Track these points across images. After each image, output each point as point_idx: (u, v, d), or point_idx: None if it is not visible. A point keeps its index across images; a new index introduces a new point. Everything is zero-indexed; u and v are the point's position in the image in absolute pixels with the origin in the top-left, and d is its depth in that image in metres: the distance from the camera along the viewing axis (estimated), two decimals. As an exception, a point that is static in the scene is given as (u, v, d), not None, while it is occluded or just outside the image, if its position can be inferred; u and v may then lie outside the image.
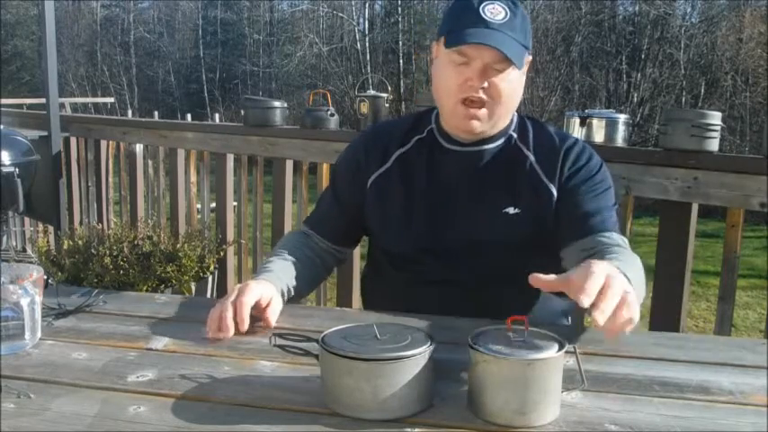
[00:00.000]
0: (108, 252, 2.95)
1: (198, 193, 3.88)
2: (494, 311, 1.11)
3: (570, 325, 1.51)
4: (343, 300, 2.92)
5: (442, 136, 1.41)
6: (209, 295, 3.28)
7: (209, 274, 3.25)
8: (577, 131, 2.50)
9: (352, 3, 20.16)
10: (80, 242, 3.11)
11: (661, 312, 2.20)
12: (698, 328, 5.51)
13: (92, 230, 3.31)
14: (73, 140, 4.47)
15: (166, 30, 25.13)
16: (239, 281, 3.59)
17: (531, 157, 1.37)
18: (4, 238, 4.73)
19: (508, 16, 1.27)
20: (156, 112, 6.28)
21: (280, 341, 1.03)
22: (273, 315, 1.19)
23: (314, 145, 3.08)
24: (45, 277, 1.14)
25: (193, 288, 3.15)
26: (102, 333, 1.18)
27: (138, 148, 4.02)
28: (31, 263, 2.58)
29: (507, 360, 0.85)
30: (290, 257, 1.39)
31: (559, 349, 0.87)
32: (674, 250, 2.20)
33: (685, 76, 15.03)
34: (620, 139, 2.49)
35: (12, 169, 3.52)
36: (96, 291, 1.38)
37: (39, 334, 1.11)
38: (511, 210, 1.35)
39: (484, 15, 1.26)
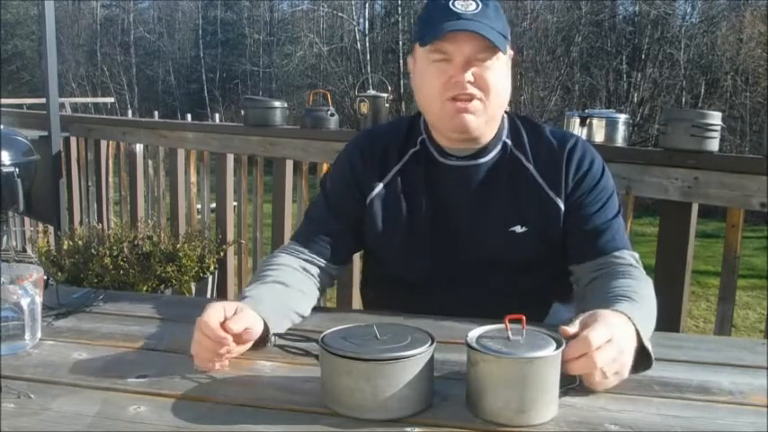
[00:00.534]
0: (108, 252, 2.96)
1: (198, 193, 3.88)
2: None
3: None
4: (343, 300, 2.92)
5: (435, 148, 1.34)
6: (209, 295, 3.28)
7: (209, 274, 3.25)
8: (577, 131, 2.50)
9: (352, 3, 20.16)
10: (80, 242, 3.12)
11: (661, 312, 2.19)
12: (698, 328, 5.51)
13: (92, 230, 3.31)
14: (73, 140, 4.47)
15: (166, 30, 25.13)
16: (239, 281, 3.60)
17: (532, 168, 1.31)
18: (4, 238, 4.73)
19: (480, 7, 1.22)
20: (156, 112, 6.28)
21: (280, 341, 1.03)
22: (237, 324, 0.99)
23: (314, 145, 3.08)
24: (45, 277, 1.14)
25: (193, 288, 3.15)
26: (102, 333, 1.18)
27: (138, 148, 4.02)
28: (31, 263, 2.58)
29: (507, 359, 0.85)
30: (271, 281, 1.21)
31: (557, 347, 0.87)
32: (674, 250, 2.20)
33: (685, 76, 15.03)
34: (620, 139, 2.49)
35: (12, 169, 3.52)
36: (96, 291, 1.38)
37: (39, 334, 1.11)
38: (518, 228, 1.29)
39: (455, 9, 1.21)
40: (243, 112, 3.38)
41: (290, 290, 1.22)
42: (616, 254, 1.26)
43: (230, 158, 3.51)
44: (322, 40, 20.38)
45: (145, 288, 2.95)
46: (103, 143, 4.26)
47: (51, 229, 4.15)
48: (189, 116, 5.29)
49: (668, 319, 2.18)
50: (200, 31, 24.42)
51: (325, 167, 3.08)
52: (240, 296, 1.16)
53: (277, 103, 3.30)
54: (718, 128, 2.18)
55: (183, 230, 3.61)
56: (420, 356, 0.88)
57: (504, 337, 0.90)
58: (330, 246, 1.35)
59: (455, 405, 0.91)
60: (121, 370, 1.02)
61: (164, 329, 1.20)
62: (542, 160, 1.32)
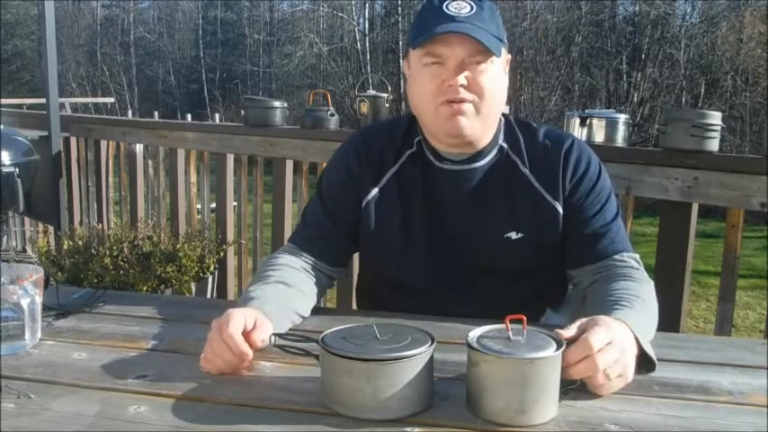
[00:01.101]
0: (108, 252, 2.96)
1: (198, 193, 3.88)
2: None
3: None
4: (343, 300, 2.92)
5: (431, 151, 1.32)
6: (209, 295, 3.28)
7: (209, 274, 3.25)
8: (577, 131, 2.50)
9: (352, 3, 20.17)
10: (80, 242, 3.12)
11: (661, 312, 2.19)
12: (698, 328, 5.51)
13: (92, 230, 3.31)
14: (73, 140, 4.47)
15: (166, 30, 25.14)
16: (239, 281, 3.60)
17: (528, 173, 1.30)
18: (4, 239, 4.73)
19: (474, 9, 1.20)
20: (156, 112, 6.28)
21: (280, 341, 1.03)
22: (260, 336, 1.01)
23: (314, 145, 3.07)
24: (45, 278, 1.14)
25: (193, 288, 3.15)
26: (102, 333, 1.18)
27: (138, 148, 4.02)
28: (31, 263, 2.58)
29: (507, 359, 0.85)
30: (274, 281, 1.21)
31: (557, 348, 0.87)
32: (674, 250, 2.20)
33: (685, 76, 15.03)
34: (620, 139, 2.49)
35: (12, 169, 3.52)
36: (96, 291, 1.38)
37: (39, 334, 1.11)
38: (513, 235, 1.28)
39: (448, 11, 1.19)
40: (243, 112, 3.38)
41: (291, 290, 1.21)
42: (616, 257, 1.25)
43: (230, 158, 3.51)
44: (322, 40, 20.38)
45: (145, 288, 2.95)
46: (103, 143, 4.26)
47: (51, 229, 4.15)
48: (189, 116, 5.29)
49: (668, 319, 2.17)
50: (200, 31, 24.43)
51: (323, 168, 3.07)
52: (243, 296, 1.16)
53: (277, 103, 3.30)
54: (718, 128, 2.18)
55: (183, 230, 3.62)
56: (420, 356, 0.88)
57: (505, 337, 0.90)
58: (327, 249, 1.35)
59: (455, 405, 0.91)
60: (121, 370, 1.02)
61: (164, 329, 1.20)
62: (539, 164, 1.30)
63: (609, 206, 1.30)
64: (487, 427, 0.86)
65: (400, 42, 18.80)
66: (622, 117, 2.53)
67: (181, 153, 3.74)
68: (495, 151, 1.32)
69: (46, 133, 3.85)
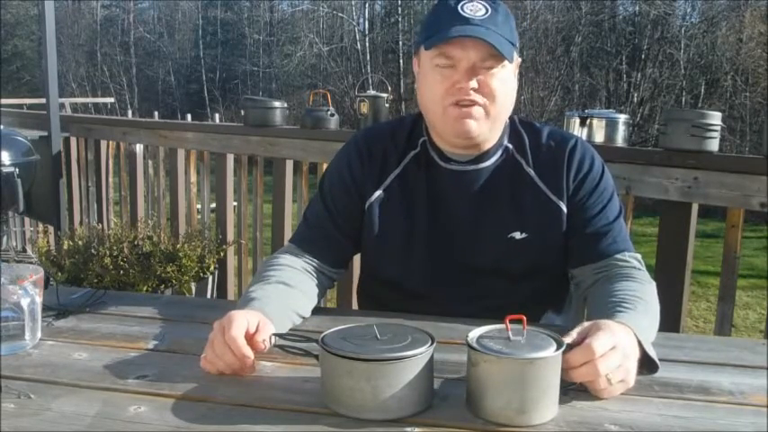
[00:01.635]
0: (108, 252, 2.96)
1: (198, 193, 3.88)
2: None
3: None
4: (343, 300, 2.92)
5: (436, 152, 1.32)
6: (209, 295, 3.28)
7: (209, 274, 3.25)
8: (577, 131, 2.50)
9: (352, 3, 20.17)
10: (80, 242, 3.12)
11: (661, 312, 2.19)
12: (698, 328, 5.51)
13: (92, 231, 3.31)
14: (73, 140, 4.47)
15: (166, 30, 25.14)
16: (239, 281, 3.60)
17: (533, 173, 1.30)
18: (4, 239, 4.74)
19: (489, 12, 1.20)
20: (156, 113, 6.28)
21: (280, 341, 1.03)
22: (261, 337, 1.01)
23: (314, 145, 3.08)
24: (45, 278, 1.14)
25: (193, 288, 3.15)
26: (102, 333, 1.18)
27: (138, 148, 4.02)
28: (31, 263, 2.58)
29: (507, 359, 0.85)
30: (275, 281, 1.21)
31: (558, 348, 0.87)
32: (674, 250, 2.20)
33: (685, 76, 15.03)
34: (620, 139, 2.50)
35: (12, 169, 3.53)
36: (96, 291, 1.38)
37: (39, 334, 1.11)
38: (517, 234, 1.28)
39: (463, 13, 1.19)
40: (243, 113, 3.38)
41: (292, 290, 1.21)
42: (618, 256, 1.26)
43: (230, 158, 3.51)
44: (322, 40, 20.38)
45: (145, 288, 2.95)
46: (103, 143, 4.27)
47: (51, 229, 4.15)
48: (189, 116, 5.29)
49: (668, 319, 2.16)
50: (200, 32, 24.43)
51: (325, 168, 3.07)
52: (244, 297, 1.16)
53: (277, 104, 3.30)
54: (718, 128, 2.19)
55: (183, 230, 3.62)
56: (420, 356, 0.88)
57: (505, 337, 0.90)
58: (328, 249, 1.34)
59: (455, 405, 0.91)
60: (121, 370, 1.02)
61: (164, 330, 1.20)
62: (543, 164, 1.30)
63: (611, 206, 1.30)
64: (487, 427, 0.86)
65: (400, 42, 18.81)
66: (622, 117, 2.54)
67: (181, 153, 3.74)
68: (500, 152, 1.32)
69: (46, 133, 3.85)
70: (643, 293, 1.14)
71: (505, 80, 1.23)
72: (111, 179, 4.37)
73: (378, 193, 1.34)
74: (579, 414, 0.89)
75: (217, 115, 6.14)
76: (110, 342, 1.14)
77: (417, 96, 1.31)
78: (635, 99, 15.20)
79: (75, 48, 23.62)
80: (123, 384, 0.97)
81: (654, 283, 1.21)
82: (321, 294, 1.34)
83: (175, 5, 25.05)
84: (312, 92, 4.52)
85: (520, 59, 1.30)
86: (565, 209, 1.29)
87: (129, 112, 11.93)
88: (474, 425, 0.87)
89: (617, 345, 0.92)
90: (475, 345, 0.88)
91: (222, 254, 3.40)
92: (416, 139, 1.35)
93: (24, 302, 1.06)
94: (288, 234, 3.13)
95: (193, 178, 3.80)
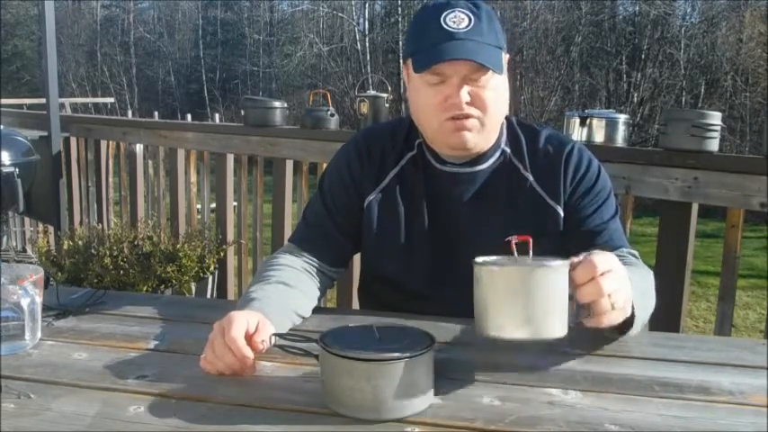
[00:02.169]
0: (108, 252, 2.96)
1: (198, 193, 3.88)
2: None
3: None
4: (343, 300, 2.92)
5: (431, 154, 1.33)
6: (209, 295, 3.28)
7: (209, 274, 3.25)
8: (577, 131, 2.50)
9: (352, 3, 20.17)
10: (80, 242, 3.12)
11: (661, 312, 2.19)
12: (698, 328, 5.51)
13: (92, 231, 3.31)
14: (73, 140, 4.47)
15: (166, 30, 25.14)
16: (239, 281, 3.60)
17: (530, 177, 1.30)
18: (4, 239, 4.74)
19: (473, 21, 1.19)
20: (156, 113, 6.28)
21: (280, 341, 1.03)
22: (261, 338, 1.01)
23: (314, 145, 3.08)
24: (45, 278, 1.14)
25: (193, 288, 3.15)
26: (102, 333, 1.18)
27: (138, 148, 4.02)
28: (31, 263, 2.58)
29: (510, 268, 0.87)
30: (275, 281, 1.21)
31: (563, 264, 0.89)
32: (674, 250, 2.20)
33: (685, 76, 15.03)
34: (620, 139, 2.50)
35: (12, 169, 3.53)
36: (96, 291, 1.38)
37: (39, 334, 1.11)
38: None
39: (447, 27, 1.18)
40: (243, 113, 3.38)
41: (292, 290, 1.22)
42: (615, 252, 1.26)
43: (230, 158, 3.51)
44: (322, 40, 20.38)
45: (145, 288, 2.95)
46: (103, 143, 4.27)
47: (51, 229, 4.15)
48: (189, 116, 5.29)
49: (668, 319, 2.18)
50: (200, 32, 24.43)
51: (324, 167, 3.07)
52: (244, 297, 1.16)
53: (277, 104, 3.31)
54: (718, 128, 2.19)
55: (183, 230, 3.62)
56: (420, 356, 0.88)
57: (511, 258, 0.92)
58: (328, 249, 1.35)
59: (455, 405, 0.91)
60: (121, 370, 1.02)
61: (164, 330, 1.20)
62: (540, 167, 1.31)
63: (607, 206, 1.30)
64: (487, 427, 0.86)
65: (400, 42, 18.79)
66: (622, 117, 2.54)
67: (181, 153, 3.74)
68: (497, 155, 1.32)
69: (46, 133, 3.85)
70: (639, 271, 1.16)
71: (497, 87, 1.23)
72: (111, 179, 4.37)
73: (376, 191, 1.34)
74: (579, 414, 0.89)
75: (217, 115, 6.14)
76: (110, 342, 1.14)
77: (410, 107, 1.31)
78: (635, 99, 15.20)
79: (75, 48, 23.62)
80: (123, 384, 0.97)
81: (651, 272, 1.22)
82: (321, 294, 1.34)
83: (175, 5, 25.05)
84: (312, 92, 4.53)
85: (508, 56, 1.29)
86: (562, 212, 1.29)
87: (129, 112, 11.93)
88: (474, 425, 0.87)
89: (614, 268, 0.95)
90: (480, 262, 0.90)
91: (222, 254, 3.40)
92: (413, 141, 1.35)
93: (24, 302, 1.06)
94: (288, 234, 3.13)
95: (193, 178, 3.80)
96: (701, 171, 2.13)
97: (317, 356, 0.94)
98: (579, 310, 0.94)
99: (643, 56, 15.59)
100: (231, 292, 3.57)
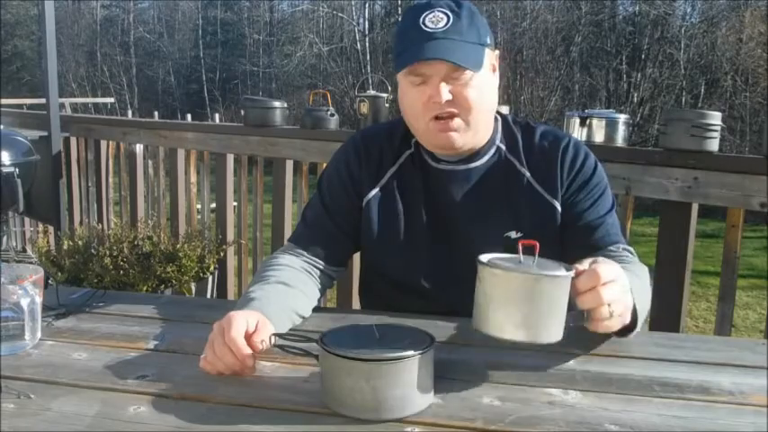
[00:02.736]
0: (108, 252, 2.96)
1: (198, 193, 3.88)
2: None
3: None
4: (343, 300, 2.92)
5: (426, 153, 1.34)
6: (209, 295, 3.28)
7: (209, 274, 3.25)
8: (577, 131, 2.50)
9: (352, 3, 20.17)
10: (80, 242, 3.12)
11: (661, 312, 2.21)
12: (698, 328, 5.51)
13: (92, 231, 3.31)
14: (73, 140, 4.47)
15: (166, 30, 25.14)
16: (239, 281, 3.60)
17: (527, 173, 1.31)
18: (4, 239, 4.73)
19: (451, 20, 1.19)
20: (156, 113, 6.29)
21: (279, 341, 1.03)
22: (260, 338, 1.01)
23: (314, 145, 3.08)
24: (45, 278, 1.14)
25: (193, 288, 3.15)
26: (102, 333, 1.18)
27: (138, 148, 4.02)
28: (31, 263, 2.58)
29: (514, 273, 0.87)
30: (275, 281, 1.21)
31: (567, 272, 0.90)
32: (674, 250, 2.20)
33: (685, 76, 15.03)
34: (620, 139, 2.50)
35: (12, 169, 3.52)
36: (96, 291, 1.38)
37: (39, 334, 1.11)
38: (513, 234, 1.28)
39: (425, 28, 1.19)
40: (243, 113, 3.38)
41: (292, 290, 1.22)
42: (611, 248, 1.27)
43: (230, 158, 3.51)
44: (322, 40, 20.38)
45: (145, 288, 2.95)
46: (103, 143, 4.27)
47: (51, 229, 4.15)
48: (189, 116, 5.30)
49: (668, 319, 2.18)
50: (200, 32, 24.44)
51: (323, 167, 3.07)
52: (244, 297, 1.16)
53: (277, 104, 3.30)
54: (718, 128, 2.19)
55: (183, 230, 3.62)
56: (420, 356, 0.88)
57: (516, 260, 0.92)
58: (327, 248, 1.35)
59: (455, 405, 0.91)
60: (121, 370, 1.02)
61: (164, 330, 1.20)
62: (536, 163, 1.31)
63: (603, 200, 1.31)
64: (487, 426, 0.86)
65: (400, 42, 18.78)
66: (622, 117, 2.54)
67: (181, 153, 3.74)
68: (492, 152, 1.33)
69: (46, 133, 3.85)
70: (635, 269, 1.16)
71: (480, 85, 1.23)
72: (111, 179, 4.37)
73: (375, 190, 1.35)
74: (579, 414, 0.89)
75: (217, 115, 6.15)
76: (110, 342, 1.14)
77: (400, 109, 1.32)
78: (635, 99, 15.20)
79: (75, 48, 23.62)
80: (123, 384, 0.97)
81: (647, 268, 1.22)
82: (321, 294, 1.34)
83: (175, 5, 25.05)
84: (312, 92, 4.53)
85: (497, 51, 1.29)
86: (559, 207, 1.30)
87: (129, 112, 11.94)
88: (474, 425, 0.87)
89: (617, 278, 0.96)
90: (485, 261, 0.90)
91: (222, 254, 3.39)
92: (411, 139, 1.36)
93: (24, 302, 1.06)
94: (288, 234, 3.13)
95: (193, 178, 3.80)
96: (701, 171, 2.13)
97: (316, 356, 0.94)
98: (578, 313, 0.95)
99: (643, 56, 15.59)
100: (231, 292, 3.57)
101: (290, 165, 3.25)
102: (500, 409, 0.90)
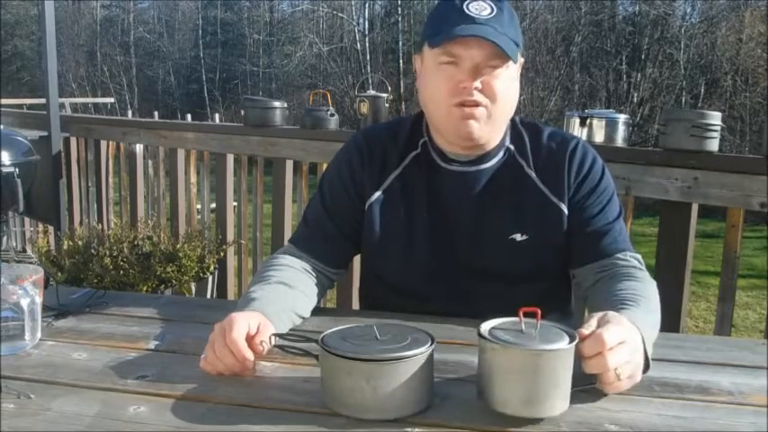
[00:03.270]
0: (108, 252, 2.96)
1: (198, 193, 3.88)
2: None
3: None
4: (343, 300, 2.92)
5: (437, 153, 1.32)
6: (209, 295, 3.28)
7: (209, 274, 3.25)
8: (577, 131, 2.50)
9: (352, 3, 20.16)
10: (80, 242, 3.12)
11: (661, 312, 2.20)
12: (698, 329, 5.51)
13: (92, 231, 3.31)
14: (73, 140, 4.47)
15: (166, 30, 25.14)
16: (239, 281, 3.60)
17: (533, 175, 1.29)
18: (4, 239, 4.73)
19: (495, 12, 1.18)
20: (155, 113, 6.29)
21: (279, 341, 1.03)
22: (262, 338, 1.02)
23: (314, 145, 3.08)
24: (45, 278, 1.14)
25: (193, 288, 3.15)
26: (102, 333, 1.18)
27: (138, 148, 4.02)
28: (31, 263, 2.58)
29: (515, 349, 0.85)
30: (275, 281, 1.21)
31: (570, 342, 0.87)
32: (674, 250, 2.20)
33: (685, 76, 15.03)
34: (620, 139, 2.49)
35: (12, 169, 3.52)
36: (96, 291, 1.38)
37: (39, 334, 1.11)
38: (518, 236, 1.27)
39: (469, 12, 1.17)
40: (243, 113, 3.38)
41: (292, 291, 1.21)
42: (619, 255, 1.25)
43: (230, 158, 3.51)
44: (322, 40, 20.38)
45: (145, 288, 2.95)
46: (103, 143, 4.27)
47: (51, 229, 4.15)
48: (189, 116, 5.30)
49: (668, 319, 2.15)
50: (200, 32, 24.43)
51: (324, 168, 3.07)
52: (244, 297, 1.16)
53: (277, 104, 3.30)
54: (718, 128, 2.19)
55: (183, 230, 3.62)
56: (420, 356, 0.88)
57: (518, 329, 0.90)
58: (328, 250, 1.34)
59: (455, 405, 0.91)
60: (121, 370, 1.02)
61: (164, 330, 1.20)
62: (544, 165, 1.30)
63: (611, 206, 1.30)
64: (487, 427, 0.86)
65: (400, 42, 18.81)
66: (622, 117, 2.54)
67: (181, 153, 3.74)
68: (501, 153, 1.32)
69: (46, 133, 3.86)
70: (646, 292, 1.14)
71: (508, 81, 1.22)
72: (111, 179, 4.37)
73: (378, 193, 1.33)
74: (579, 414, 0.89)
75: (217, 115, 6.16)
76: (110, 342, 1.14)
77: (419, 94, 1.30)
78: (635, 99, 15.20)
79: (76, 48, 23.61)
80: (123, 384, 0.97)
81: (655, 283, 1.21)
82: (321, 294, 1.33)
83: (175, 5, 25.05)
84: (312, 92, 4.53)
85: (523, 60, 1.29)
86: (566, 210, 1.28)
87: (129, 113, 11.94)
88: (474, 425, 0.87)
89: (626, 339, 0.93)
90: (485, 334, 0.88)
91: (222, 254, 3.39)
92: (417, 140, 1.34)
93: (24, 302, 1.06)
94: (288, 234, 3.13)
95: (193, 178, 3.80)
96: (701, 171, 2.13)
97: (316, 356, 0.94)
98: (587, 377, 0.92)
99: (643, 56, 15.59)
100: (231, 293, 3.57)
101: (290, 165, 3.25)
102: (500, 409, 0.90)
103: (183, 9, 25.19)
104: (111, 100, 16.62)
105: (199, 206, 3.90)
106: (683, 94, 14.98)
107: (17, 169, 3.55)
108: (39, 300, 1.09)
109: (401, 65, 18.39)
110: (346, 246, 1.37)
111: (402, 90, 17.01)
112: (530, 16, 16.27)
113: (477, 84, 1.19)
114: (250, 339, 1.01)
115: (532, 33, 15.84)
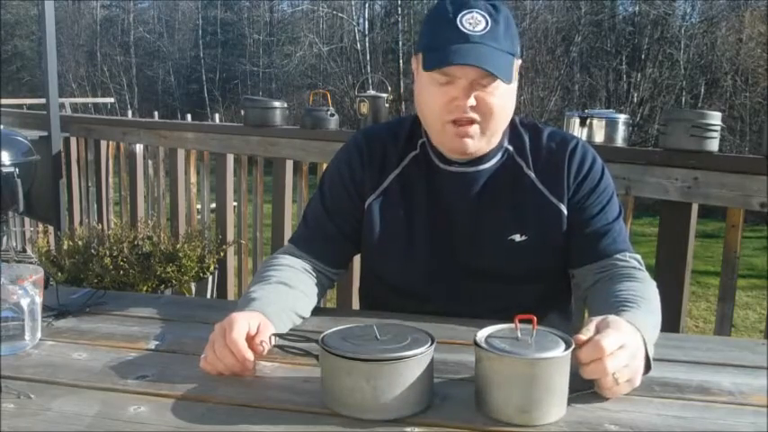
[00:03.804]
0: (108, 252, 2.96)
1: (198, 193, 3.88)
2: None
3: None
4: (343, 300, 2.92)
5: (435, 154, 1.31)
6: (209, 295, 3.28)
7: (209, 274, 3.25)
8: (577, 131, 2.50)
9: (352, 3, 20.16)
10: (80, 242, 3.12)
11: (661, 312, 2.20)
12: (698, 329, 5.51)
13: (92, 231, 3.31)
14: (73, 140, 4.47)
15: (166, 30, 25.14)
16: (239, 281, 3.60)
17: (532, 175, 1.29)
18: (4, 239, 4.73)
19: (489, 25, 1.16)
20: (155, 113, 6.29)
21: (279, 341, 1.03)
22: (262, 339, 1.02)
23: (314, 145, 3.08)
24: (45, 278, 1.14)
25: (193, 288, 3.15)
26: (102, 333, 1.18)
27: (138, 148, 4.02)
28: (31, 263, 2.58)
29: (510, 358, 0.85)
30: (276, 281, 1.21)
31: (566, 349, 0.87)
32: (674, 250, 2.20)
33: (685, 76, 15.03)
34: (620, 139, 2.49)
35: (12, 169, 3.53)
36: (96, 291, 1.38)
37: (39, 334, 1.11)
38: (517, 237, 1.27)
39: (462, 28, 1.15)
40: (243, 113, 3.38)
41: (293, 291, 1.22)
42: (618, 256, 1.25)
43: (230, 158, 3.51)
44: (322, 40, 20.38)
45: (145, 288, 2.95)
46: (103, 143, 4.27)
47: (51, 229, 4.15)
48: (189, 116, 5.30)
49: (668, 319, 2.15)
50: (200, 32, 24.43)
51: (324, 167, 3.07)
52: (245, 297, 1.16)
53: (277, 104, 3.30)
54: (718, 128, 2.19)
55: (183, 230, 3.62)
56: (420, 356, 0.88)
57: (513, 336, 0.90)
58: (328, 250, 1.34)
59: (455, 405, 0.91)
60: (121, 370, 1.02)
61: (164, 330, 1.20)
62: (543, 165, 1.30)
63: (611, 206, 1.29)
64: (487, 427, 0.86)
65: (400, 42, 18.81)
66: (622, 117, 2.54)
67: (181, 153, 3.74)
68: (500, 154, 1.31)
69: (46, 133, 3.86)
70: (646, 293, 1.14)
71: (504, 94, 1.21)
72: (111, 179, 4.37)
73: (377, 193, 1.33)
74: (579, 414, 0.89)
75: (217, 115, 6.16)
76: (110, 342, 1.14)
77: (415, 97, 1.30)
78: (635, 99, 15.20)
79: (76, 48, 23.61)
80: (123, 384, 0.97)
81: (654, 284, 1.21)
82: (321, 294, 1.33)
83: (175, 5, 25.05)
84: (312, 92, 4.53)
85: (520, 61, 1.28)
86: (565, 211, 1.28)
87: (129, 112, 11.94)
88: (474, 425, 0.87)
89: (625, 344, 0.92)
90: (481, 343, 0.88)
91: (222, 254, 3.39)
92: (416, 141, 1.34)
93: (24, 302, 1.06)
94: (288, 234, 3.13)
95: (193, 178, 3.80)
96: (701, 171, 2.13)
97: (316, 356, 0.94)
98: (585, 382, 0.92)
99: (643, 56, 15.59)
100: (231, 293, 3.57)
101: (290, 165, 3.25)
102: (500, 409, 0.90)
103: (183, 9, 25.19)
104: (111, 100, 16.62)
105: (199, 206, 3.90)
106: (683, 94, 14.98)
107: (17, 169, 3.55)
108: (39, 300, 1.09)
109: (401, 65, 18.39)
110: (346, 246, 1.37)
111: (402, 90, 17.00)
112: (530, 16, 16.27)
113: (472, 101, 1.18)
114: (250, 339, 1.01)
115: (532, 33, 15.84)
